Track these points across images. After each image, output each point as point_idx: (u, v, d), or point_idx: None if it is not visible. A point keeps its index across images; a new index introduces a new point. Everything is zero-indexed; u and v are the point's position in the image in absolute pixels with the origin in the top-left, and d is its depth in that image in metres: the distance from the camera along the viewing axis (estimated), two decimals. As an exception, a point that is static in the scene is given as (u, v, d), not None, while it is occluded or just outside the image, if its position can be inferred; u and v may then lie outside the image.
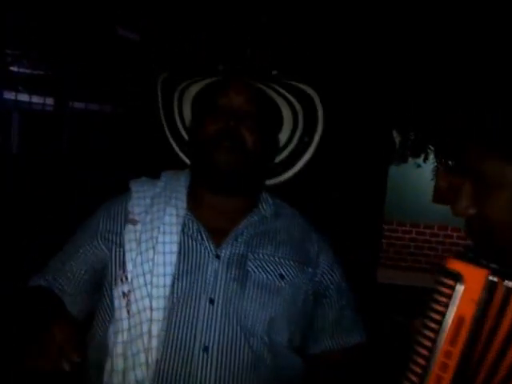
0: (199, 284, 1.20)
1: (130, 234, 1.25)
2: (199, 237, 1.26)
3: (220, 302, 1.20)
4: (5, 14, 4.18)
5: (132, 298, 1.19)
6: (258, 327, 1.21)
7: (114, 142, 4.63)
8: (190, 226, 1.27)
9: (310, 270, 1.31)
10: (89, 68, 4.58)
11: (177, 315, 1.18)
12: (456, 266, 0.82)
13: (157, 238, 1.22)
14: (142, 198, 1.30)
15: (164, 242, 1.22)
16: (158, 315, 1.17)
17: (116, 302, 1.21)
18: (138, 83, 3.98)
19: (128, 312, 1.19)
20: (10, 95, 4.75)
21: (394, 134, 4.11)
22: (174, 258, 1.21)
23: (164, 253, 1.21)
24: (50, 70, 4.80)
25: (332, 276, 1.37)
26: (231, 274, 1.23)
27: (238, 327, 1.19)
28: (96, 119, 4.77)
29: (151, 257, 1.21)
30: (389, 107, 3.88)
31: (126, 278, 1.21)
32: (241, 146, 1.24)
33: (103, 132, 4.70)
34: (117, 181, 1.50)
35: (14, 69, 4.77)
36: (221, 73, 1.31)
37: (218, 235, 1.27)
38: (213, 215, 1.29)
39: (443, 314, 0.81)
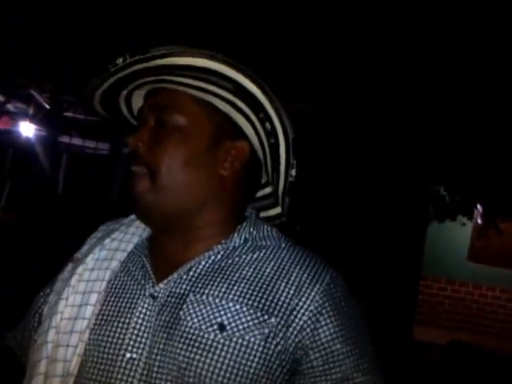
0: (121, 334, 0.91)
1: (64, 273, 1.03)
2: (140, 274, 0.97)
3: (143, 359, 0.89)
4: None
5: (35, 345, 0.97)
6: None
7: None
8: (136, 262, 0.99)
9: (272, 320, 0.89)
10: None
11: (87, 374, 0.91)
12: None
13: (81, 274, 0.99)
14: (96, 236, 1.07)
15: (88, 280, 0.98)
16: (59, 367, 0.92)
17: (29, 353, 0.99)
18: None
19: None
20: (63, 138, 4.93)
21: (443, 192, 4.14)
22: (93, 298, 0.95)
23: (84, 292, 0.97)
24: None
25: (315, 335, 0.89)
26: (160, 320, 0.91)
27: None
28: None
29: (65, 296, 0.97)
30: (433, 166, 3.93)
31: (40, 323, 1.00)
32: (150, 171, 0.94)
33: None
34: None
35: (69, 114, 4.96)
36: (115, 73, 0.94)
37: (168, 273, 0.96)
38: (174, 251, 0.98)
39: None
